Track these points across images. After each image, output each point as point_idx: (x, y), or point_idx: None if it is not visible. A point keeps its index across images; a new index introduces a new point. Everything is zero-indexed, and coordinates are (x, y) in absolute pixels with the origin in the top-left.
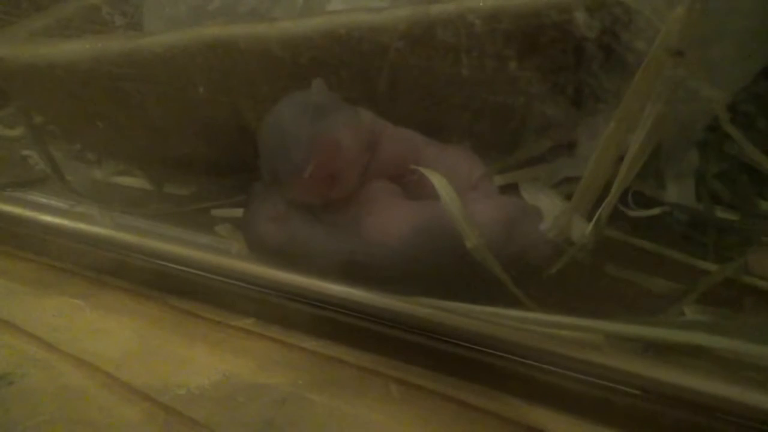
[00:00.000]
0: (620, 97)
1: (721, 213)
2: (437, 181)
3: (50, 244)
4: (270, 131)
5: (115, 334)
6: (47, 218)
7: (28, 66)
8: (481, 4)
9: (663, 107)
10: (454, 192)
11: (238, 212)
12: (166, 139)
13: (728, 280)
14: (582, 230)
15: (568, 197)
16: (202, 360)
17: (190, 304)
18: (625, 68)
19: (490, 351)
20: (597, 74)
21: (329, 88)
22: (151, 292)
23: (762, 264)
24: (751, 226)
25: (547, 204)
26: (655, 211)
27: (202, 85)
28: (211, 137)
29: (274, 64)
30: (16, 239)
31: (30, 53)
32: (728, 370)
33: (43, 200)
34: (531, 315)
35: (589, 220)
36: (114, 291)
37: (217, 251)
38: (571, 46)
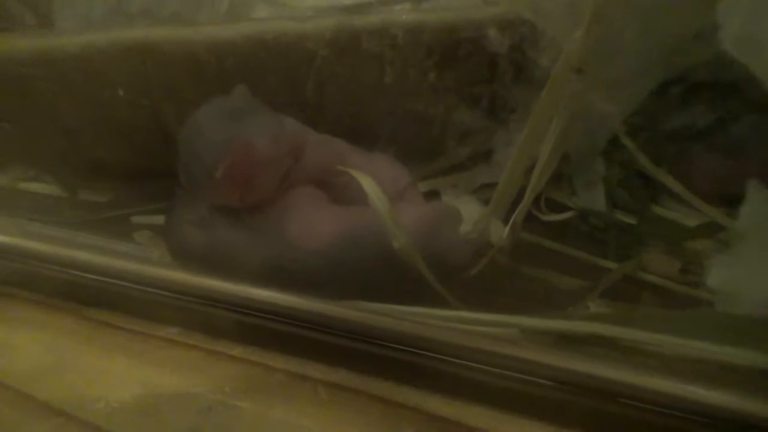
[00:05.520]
0: (530, 108)
1: (621, 217)
2: (365, 182)
3: None
4: (187, 135)
5: (24, 349)
6: None
7: None
8: (404, 17)
9: (567, 120)
10: (382, 193)
11: (160, 219)
12: (81, 142)
13: (627, 276)
14: (499, 233)
15: (487, 202)
16: (121, 372)
17: (108, 315)
18: (533, 82)
19: (414, 350)
20: (509, 87)
21: (256, 94)
22: (65, 303)
23: (654, 262)
24: (646, 229)
25: (467, 209)
26: (565, 215)
27: (120, 88)
28: (130, 141)
29: (198, 69)
30: None
31: None
32: (628, 357)
33: None
34: (452, 313)
35: (506, 224)
36: (22, 303)
37: (136, 259)
38: (485, 60)
